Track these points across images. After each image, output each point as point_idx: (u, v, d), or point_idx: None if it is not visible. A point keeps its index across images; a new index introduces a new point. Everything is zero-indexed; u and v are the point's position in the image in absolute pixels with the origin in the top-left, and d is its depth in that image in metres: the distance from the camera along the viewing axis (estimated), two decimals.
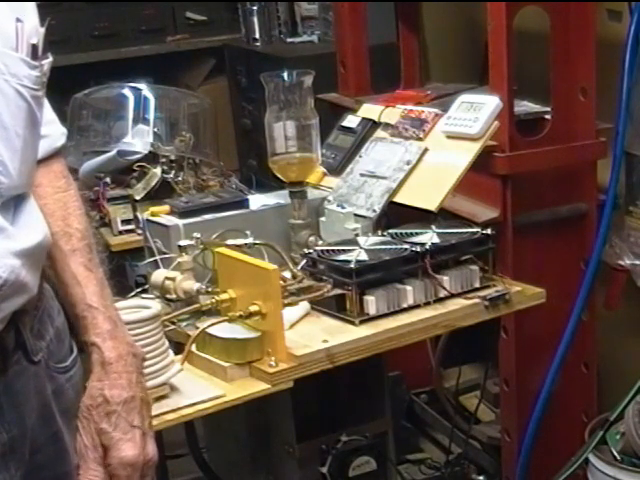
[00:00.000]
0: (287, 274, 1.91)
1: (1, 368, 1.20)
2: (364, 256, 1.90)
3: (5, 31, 1.17)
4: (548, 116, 2.34)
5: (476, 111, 2.15)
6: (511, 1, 2.19)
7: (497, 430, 2.66)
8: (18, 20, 1.17)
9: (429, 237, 1.97)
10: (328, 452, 2.06)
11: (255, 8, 4.04)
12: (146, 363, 1.62)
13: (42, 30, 1.22)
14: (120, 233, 2.77)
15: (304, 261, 1.95)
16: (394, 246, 1.94)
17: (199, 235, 1.92)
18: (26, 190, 1.25)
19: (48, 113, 1.35)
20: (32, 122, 1.21)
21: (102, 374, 1.29)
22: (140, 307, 1.66)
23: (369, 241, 1.97)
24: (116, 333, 1.31)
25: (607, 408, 2.30)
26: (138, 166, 2.76)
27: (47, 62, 1.22)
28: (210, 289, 1.84)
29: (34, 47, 1.18)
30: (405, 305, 1.89)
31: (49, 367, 1.29)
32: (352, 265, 1.84)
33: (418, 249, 1.90)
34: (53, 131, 1.39)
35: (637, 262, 2.32)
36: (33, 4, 1.24)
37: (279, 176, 2.11)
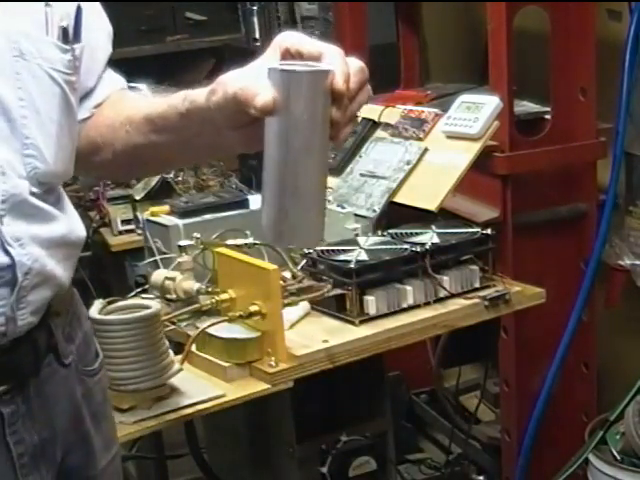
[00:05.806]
0: (287, 274, 1.91)
1: (33, 370, 1.17)
2: (364, 256, 1.89)
3: (37, 16, 1.14)
4: (548, 116, 2.34)
5: (476, 111, 2.15)
6: (511, 1, 2.19)
7: (497, 430, 2.66)
8: (47, 4, 1.14)
9: (429, 237, 1.97)
10: (328, 452, 2.05)
11: (255, 8, 4.03)
12: (146, 363, 1.63)
13: (72, 13, 1.17)
14: (120, 233, 2.77)
15: (304, 261, 1.95)
16: (394, 246, 1.94)
17: (199, 235, 1.92)
18: (65, 180, 1.21)
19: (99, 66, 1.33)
20: (67, 108, 1.16)
21: None
22: (140, 307, 1.66)
23: (369, 241, 1.97)
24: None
25: (607, 408, 2.30)
26: None
27: (79, 46, 1.18)
28: (210, 289, 1.84)
29: (64, 30, 1.15)
30: (405, 305, 1.89)
31: (78, 370, 1.26)
32: (352, 265, 1.84)
33: (418, 249, 1.90)
34: (107, 76, 1.36)
35: (637, 262, 2.32)
36: None
37: None
